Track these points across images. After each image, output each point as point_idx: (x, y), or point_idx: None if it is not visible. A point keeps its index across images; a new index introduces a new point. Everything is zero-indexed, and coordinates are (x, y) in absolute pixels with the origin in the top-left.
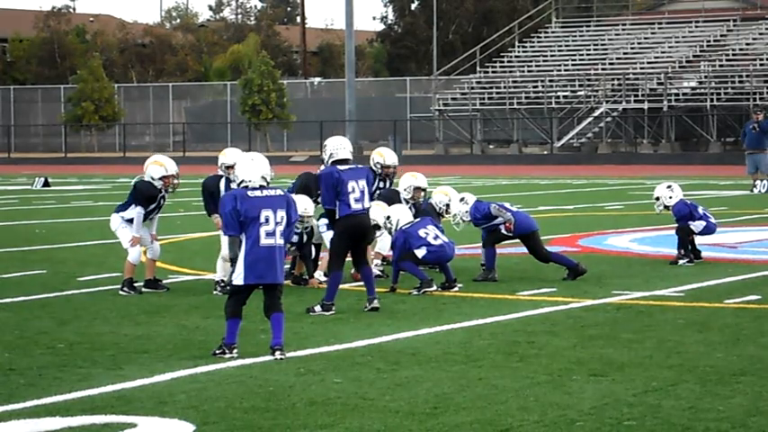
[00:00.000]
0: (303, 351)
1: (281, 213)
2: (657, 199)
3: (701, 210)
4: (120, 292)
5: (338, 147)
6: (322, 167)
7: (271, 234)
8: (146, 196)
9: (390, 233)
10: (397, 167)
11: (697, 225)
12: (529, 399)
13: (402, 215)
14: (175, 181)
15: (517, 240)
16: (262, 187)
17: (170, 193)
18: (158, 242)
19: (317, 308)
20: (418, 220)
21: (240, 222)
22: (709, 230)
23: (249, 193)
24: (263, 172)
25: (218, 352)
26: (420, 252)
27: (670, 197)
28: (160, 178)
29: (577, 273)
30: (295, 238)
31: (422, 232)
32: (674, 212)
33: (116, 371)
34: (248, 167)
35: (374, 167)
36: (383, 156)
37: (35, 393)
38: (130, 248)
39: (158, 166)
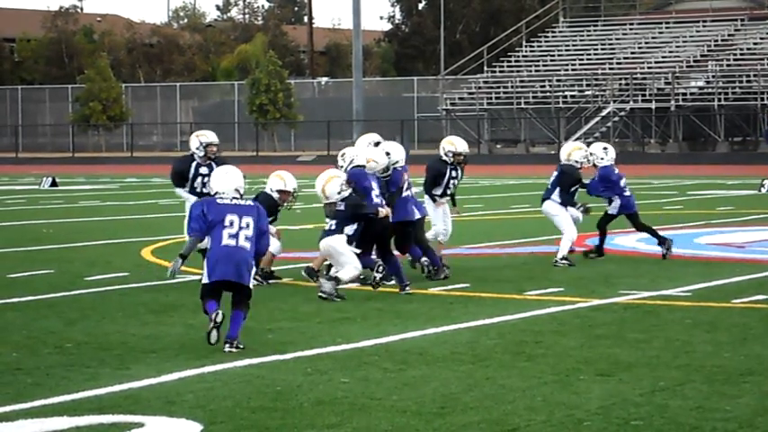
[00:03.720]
0: (310, 351)
1: (247, 220)
2: (591, 154)
3: (623, 182)
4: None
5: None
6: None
7: (233, 236)
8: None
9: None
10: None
11: (613, 207)
12: (536, 398)
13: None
14: (291, 198)
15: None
16: (234, 198)
17: (285, 209)
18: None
19: (406, 290)
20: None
21: (208, 227)
22: (626, 209)
23: (218, 200)
24: (237, 185)
25: (209, 327)
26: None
27: (602, 158)
28: (277, 191)
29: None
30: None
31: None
32: (598, 174)
33: (123, 370)
34: (222, 180)
35: (445, 156)
36: (454, 144)
37: (42, 393)
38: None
39: (278, 180)
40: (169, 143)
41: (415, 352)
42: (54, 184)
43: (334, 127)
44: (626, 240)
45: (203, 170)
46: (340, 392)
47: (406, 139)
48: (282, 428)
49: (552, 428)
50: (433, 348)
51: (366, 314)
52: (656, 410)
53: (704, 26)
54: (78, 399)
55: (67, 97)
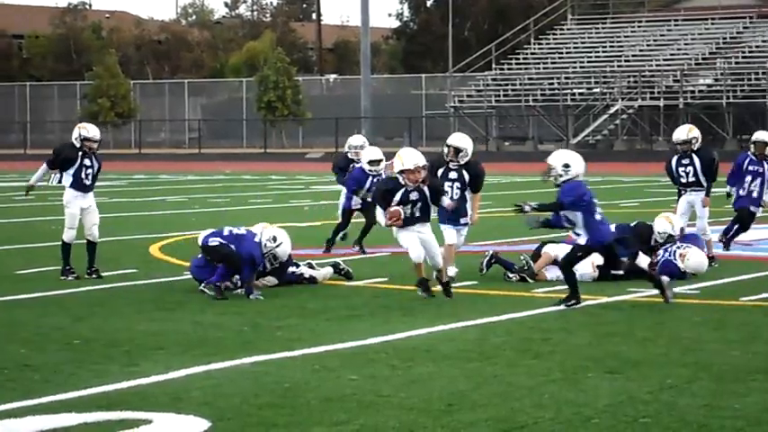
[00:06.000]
0: (318, 348)
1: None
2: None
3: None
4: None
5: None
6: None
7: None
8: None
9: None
10: None
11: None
12: (544, 396)
13: None
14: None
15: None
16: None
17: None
18: None
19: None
20: None
21: None
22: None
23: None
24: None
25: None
26: None
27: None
28: (399, 172)
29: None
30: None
31: None
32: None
33: (131, 367)
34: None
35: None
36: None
37: (51, 389)
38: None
39: (397, 161)
40: (177, 140)
41: (423, 349)
42: (60, 180)
43: (343, 124)
44: None
45: (86, 161)
46: (348, 389)
47: (413, 136)
48: (290, 425)
49: (560, 426)
50: (440, 346)
51: (374, 311)
52: (664, 408)
53: (712, 24)
54: (86, 395)
55: (76, 94)
